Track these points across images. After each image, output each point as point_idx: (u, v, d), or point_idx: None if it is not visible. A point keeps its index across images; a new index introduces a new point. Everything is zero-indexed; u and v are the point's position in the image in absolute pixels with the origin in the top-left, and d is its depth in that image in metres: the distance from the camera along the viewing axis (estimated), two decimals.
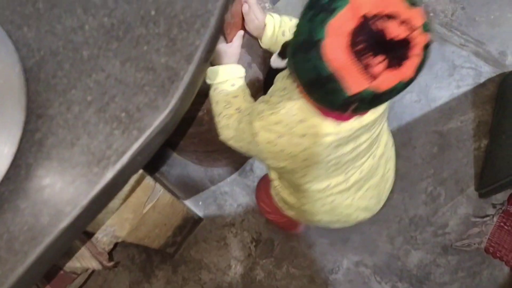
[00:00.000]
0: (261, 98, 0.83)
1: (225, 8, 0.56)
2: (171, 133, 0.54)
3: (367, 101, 0.59)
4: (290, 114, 0.73)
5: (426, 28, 0.55)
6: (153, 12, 0.55)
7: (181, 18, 0.55)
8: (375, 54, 0.54)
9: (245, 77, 0.97)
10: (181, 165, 1.61)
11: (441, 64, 1.64)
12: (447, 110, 1.62)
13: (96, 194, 0.48)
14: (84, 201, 0.48)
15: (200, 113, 1.10)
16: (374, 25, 0.53)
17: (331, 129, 0.73)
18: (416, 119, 1.63)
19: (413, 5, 0.55)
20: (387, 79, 0.56)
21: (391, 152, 1.00)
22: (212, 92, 0.94)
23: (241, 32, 0.99)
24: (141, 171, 1.04)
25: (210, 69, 0.92)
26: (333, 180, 0.88)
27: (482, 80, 1.64)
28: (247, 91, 0.94)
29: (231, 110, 0.89)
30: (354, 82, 0.57)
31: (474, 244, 1.51)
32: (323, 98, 0.63)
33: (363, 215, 1.01)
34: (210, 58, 0.56)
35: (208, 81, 0.93)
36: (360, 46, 0.54)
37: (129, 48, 0.54)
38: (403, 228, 1.55)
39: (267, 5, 1.19)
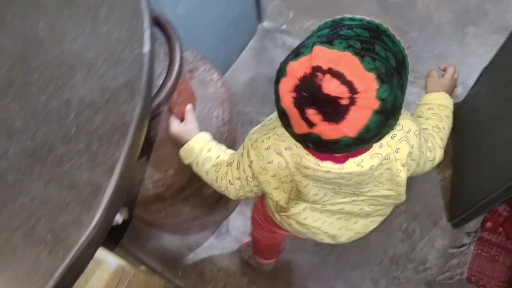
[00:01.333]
0: (262, 123, 0.88)
1: (144, 116, 0.60)
2: (101, 244, 0.56)
3: (318, 143, 0.62)
4: (279, 139, 0.78)
5: (380, 95, 0.57)
6: (73, 130, 0.58)
7: (101, 132, 0.58)
8: (308, 105, 0.58)
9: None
10: (155, 236, 1.61)
11: None
12: None
13: None
14: None
15: (161, 190, 1.12)
16: (317, 78, 0.56)
17: (311, 164, 0.75)
18: None
19: (371, 71, 0.56)
20: (326, 130, 0.59)
21: (379, 217, 1.01)
22: (195, 168, 0.96)
23: (190, 106, 1.03)
24: (105, 257, 1.04)
25: (182, 151, 0.96)
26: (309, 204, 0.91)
27: None
28: (223, 146, 0.97)
29: (223, 169, 0.92)
30: (296, 124, 0.61)
31: (456, 275, 1.51)
32: (285, 129, 0.67)
33: (328, 240, 1.02)
34: (134, 166, 0.59)
35: (186, 162, 0.97)
36: (299, 94, 0.59)
37: (52, 168, 0.56)
38: (385, 269, 1.55)
39: (215, 76, 1.24)
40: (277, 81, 0.62)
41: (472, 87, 1.58)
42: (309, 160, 0.75)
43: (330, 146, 0.62)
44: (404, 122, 0.78)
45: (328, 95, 0.56)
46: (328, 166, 0.75)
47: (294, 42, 1.89)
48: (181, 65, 0.94)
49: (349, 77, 0.56)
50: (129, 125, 0.58)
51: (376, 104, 0.57)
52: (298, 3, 1.99)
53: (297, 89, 0.59)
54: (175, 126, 0.99)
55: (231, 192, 0.92)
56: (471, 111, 1.53)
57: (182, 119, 1.02)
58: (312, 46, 0.58)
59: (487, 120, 1.36)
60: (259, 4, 1.82)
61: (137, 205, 1.17)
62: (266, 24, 1.95)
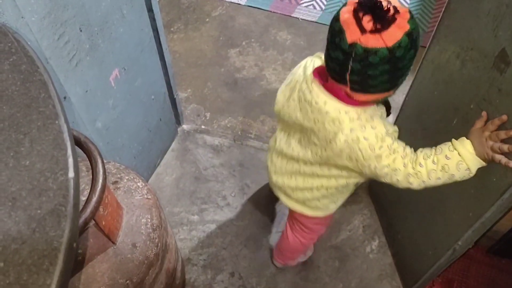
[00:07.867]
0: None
1: (72, 239, 0.62)
2: None
3: (359, 59, 0.85)
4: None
5: (410, 23, 0.84)
6: (1, 264, 0.59)
7: (29, 262, 0.59)
8: (366, 12, 0.82)
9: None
10: None
11: None
12: (334, 224, 1.76)
13: None
14: None
15: None
16: None
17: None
18: None
19: (405, 7, 0.84)
20: (371, 39, 0.83)
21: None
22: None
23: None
24: None
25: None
26: None
27: None
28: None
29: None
30: (350, 32, 0.84)
31: None
32: (333, 50, 0.89)
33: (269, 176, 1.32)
34: None
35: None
36: (359, 5, 0.83)
37: None
38: None
39: (140, 183, 1.26)
40: (337, 13, 0.87)
41: None
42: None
43: (371, 63, 0.85)
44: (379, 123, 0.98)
45: (382, 6, 0.82)
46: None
47: (213, 140, 2.00)
48: (104, 180, 0.97)
49: (393, 3, 0.83)
50: (58, 251, 0.59)
51: (407, 28, 0.83)
52: (213, 105, 2.14)
53: (359, 3, 0.83)
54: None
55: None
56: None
57: (109, 232, 1.03)
58: None
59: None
60: (177, 110, 1.93)
61: None
62: (185, 126, 2.05)
